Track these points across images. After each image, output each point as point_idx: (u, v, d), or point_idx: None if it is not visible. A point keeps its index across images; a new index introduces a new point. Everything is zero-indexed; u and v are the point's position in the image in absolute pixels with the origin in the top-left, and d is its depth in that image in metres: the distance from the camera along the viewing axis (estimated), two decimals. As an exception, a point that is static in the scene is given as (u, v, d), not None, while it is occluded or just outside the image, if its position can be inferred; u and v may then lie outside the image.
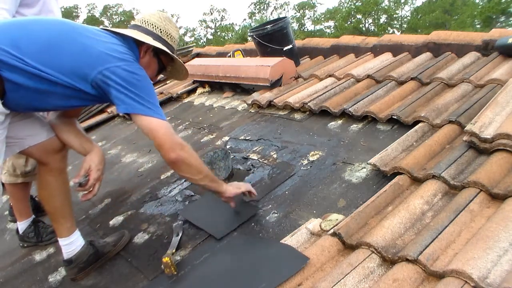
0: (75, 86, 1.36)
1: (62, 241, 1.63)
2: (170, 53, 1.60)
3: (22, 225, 1.99)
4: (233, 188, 1.64)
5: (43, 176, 1.57)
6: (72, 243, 1.63)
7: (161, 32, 1.58)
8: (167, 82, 4.28)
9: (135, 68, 1.42)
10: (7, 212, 2.35)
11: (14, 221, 2.17)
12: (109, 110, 3.93)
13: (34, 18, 1.47)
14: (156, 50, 1.58)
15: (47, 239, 1.99)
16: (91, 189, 1.55)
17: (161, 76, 3.11)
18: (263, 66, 2.97)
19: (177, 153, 1.42)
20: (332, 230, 1.36)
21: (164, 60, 1.65)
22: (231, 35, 42.13)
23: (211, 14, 46.37)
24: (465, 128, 1.61)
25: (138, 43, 1.53)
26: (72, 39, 1.37)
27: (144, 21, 1.58)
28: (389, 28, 37.58)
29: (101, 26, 1.62)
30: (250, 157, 2.20)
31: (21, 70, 1.26)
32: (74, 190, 1.59)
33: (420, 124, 1.91)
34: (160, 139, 1.40)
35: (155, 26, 1.58)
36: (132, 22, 1.62)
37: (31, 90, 1.31)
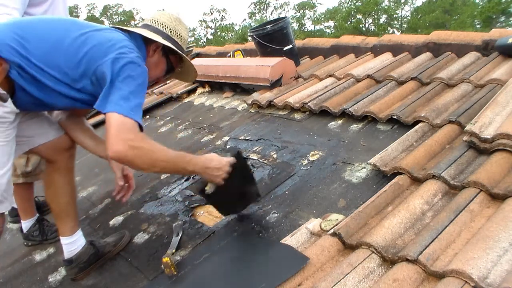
0: (75, 85, 1.34)
1: (64, 240, 1.63)
2: (179, 51, 1.58)
3: (26, 224, 1.99)
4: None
5: (50, 174, 1.59)
6: (73, 243, 1.64)
7: (170, 31, 1.57)
8: (167, 82, 4.27)
9: (131, 63, 1.32)
10: (6, 212, 2.34)
11: (15, 222, 2.16)
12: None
13: (40, 18, 1.47)
14: (166, 50, 1.57)
15: (51, 237, 1.98)
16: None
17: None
18: (263, 66, 2.96)
19: (115, 149, 1.24)
20: (332, 230, 1.36)
21: (174, 61, 1.64)
22: (231, 35, 42.17)
23: (211, 14, 46.45)
24: (465, 128, 1.61)
25: (147, 42, 1.51)
26: (76, 38, 1.33)
27: (154, 20, 1.56)
28: (389, 28, 37.65)
29: (111, 25, 1.61)
30: (250, 157, 2.20)
31: (24, 70, 1.26)
32: (113, 195, 1.65)
33: (420, 124, 1.91)
34: (109, 133, 1.25)
35: (165, 25, 1.56)
36: (143, 22, 1.61)
37: (37, 88, 1.30)
